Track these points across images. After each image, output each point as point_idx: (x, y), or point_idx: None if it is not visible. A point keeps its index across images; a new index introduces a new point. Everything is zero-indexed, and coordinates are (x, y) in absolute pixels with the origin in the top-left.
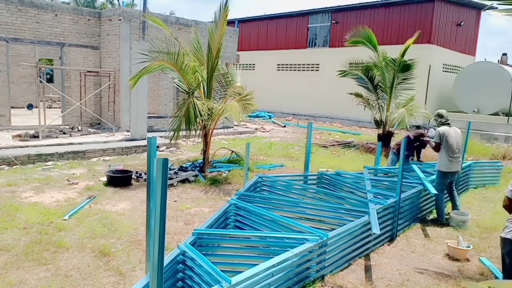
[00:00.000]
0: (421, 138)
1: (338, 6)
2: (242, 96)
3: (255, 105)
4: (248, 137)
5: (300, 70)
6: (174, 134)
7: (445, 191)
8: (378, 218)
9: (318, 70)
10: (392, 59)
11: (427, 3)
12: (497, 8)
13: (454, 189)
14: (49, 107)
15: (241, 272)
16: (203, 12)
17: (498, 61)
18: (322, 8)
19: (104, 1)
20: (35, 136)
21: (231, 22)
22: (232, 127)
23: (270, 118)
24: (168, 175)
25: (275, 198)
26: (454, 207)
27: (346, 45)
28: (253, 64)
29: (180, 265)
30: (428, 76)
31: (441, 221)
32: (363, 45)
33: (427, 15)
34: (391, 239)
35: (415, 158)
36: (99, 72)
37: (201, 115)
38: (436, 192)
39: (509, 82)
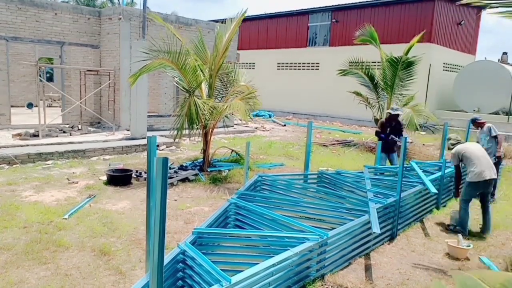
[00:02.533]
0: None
1: (339, 5)
2: (245, 95)
3: (259, 103)
4: (248, 136)
5: (300, 69)
6: (178, 133)
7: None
8: (379, 217)
9: (318, 69)
10: (395, 57)
11: (427, 2)
12: (497, 7)
13: (487, 203)
14: (49, 106)
15: (241, 271)
16: (200, 11)
17: (499, 60)
18: (322, 7)
19: (104, 0)
20: (35, 135)
21: None
22: (232, 126)
23: (270, 117)
24: (168, 174)
25: (275, 197)
26: (484, 223)
27: (346, 44)
28: (253, 63)
29: (180, 264)
30: (428, 75)
31: (464, 233)
32: (370, 43)
33: (427, 14)
34: (391, 238)
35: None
36: (99, 71)
37: (203, 114)
38: (436, 191)
39: (510, 81)
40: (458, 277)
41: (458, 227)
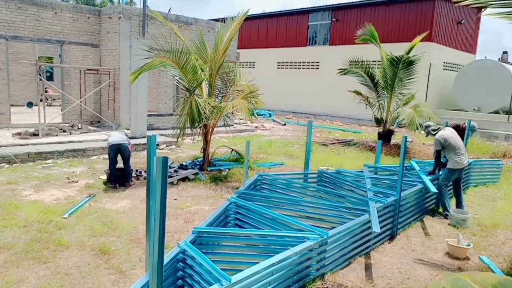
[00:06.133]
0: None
1: (339, 4)
2: (247, 94)
3: (260, 103)
4: (248, 135)
5: (300, 68)
6: (180, 132)
7: (450, 188)
8: (379, 217)
9: (318, 68)
10: (395, 57)
11: (427, 1)
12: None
13: (461, 187)
14: (49, 105)
15: (242, 270)
16: (197, 11)
17: (499, 59)
18: (323, 6)
19: None
20: (35, 134)
21: None
22: (232, 125)
23: (270, 116)
24: (168, 173)
25: (275, 197)
26: (459, 205)
27: (346, 43)
28: (253, 62)
29: (180, 263)
30: (429, 74)
31: (448, 213)
32: (371, 43)
33: (427, 13)
34: (392, 237)
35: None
36: (99, 70)
37: (204, 113)
38: (436, 191)
39: (510, 80)
40: (449, 278)
41: (444, 211)
